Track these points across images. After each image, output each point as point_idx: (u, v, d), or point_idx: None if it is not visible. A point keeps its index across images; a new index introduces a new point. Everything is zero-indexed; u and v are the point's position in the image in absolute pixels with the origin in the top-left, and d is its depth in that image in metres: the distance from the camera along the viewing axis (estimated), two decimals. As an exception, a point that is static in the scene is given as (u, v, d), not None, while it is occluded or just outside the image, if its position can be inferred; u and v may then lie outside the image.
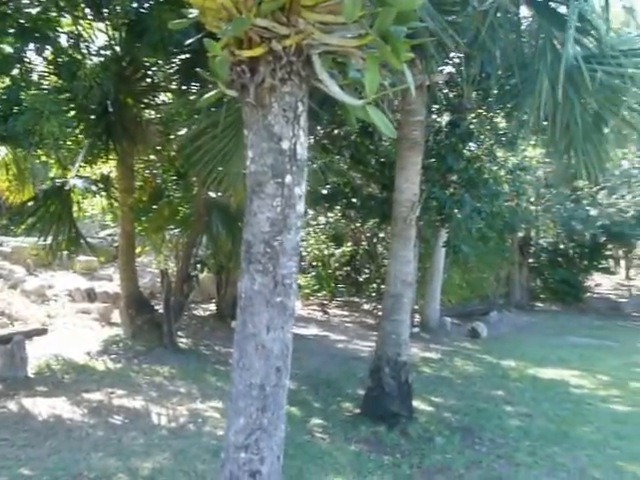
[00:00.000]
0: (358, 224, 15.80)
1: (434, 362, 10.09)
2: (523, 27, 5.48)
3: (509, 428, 6.45)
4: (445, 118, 10.39)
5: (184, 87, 7.83)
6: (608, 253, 21.75)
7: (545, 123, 5.65)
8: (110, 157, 9.21)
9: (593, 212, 16.41)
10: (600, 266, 20.99)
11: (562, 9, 4.49)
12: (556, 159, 5.95)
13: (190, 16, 2.60)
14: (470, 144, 10.38)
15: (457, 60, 6.94)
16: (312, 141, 9.19)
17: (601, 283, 22.08)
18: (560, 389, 8.63)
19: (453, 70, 7.37)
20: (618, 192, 16.82)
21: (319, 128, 9.29)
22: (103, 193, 9.90)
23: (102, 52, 7.52)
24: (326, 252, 17.41)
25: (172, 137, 8.85)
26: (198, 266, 11.00)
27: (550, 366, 10.22)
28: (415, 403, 6.70)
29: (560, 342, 13.25)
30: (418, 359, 9.90)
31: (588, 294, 20.80)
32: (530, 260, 19.92)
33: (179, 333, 9.93)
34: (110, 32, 7.51)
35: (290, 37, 2.39)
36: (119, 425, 5.78)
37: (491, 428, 6.38)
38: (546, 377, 9.38)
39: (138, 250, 11.19)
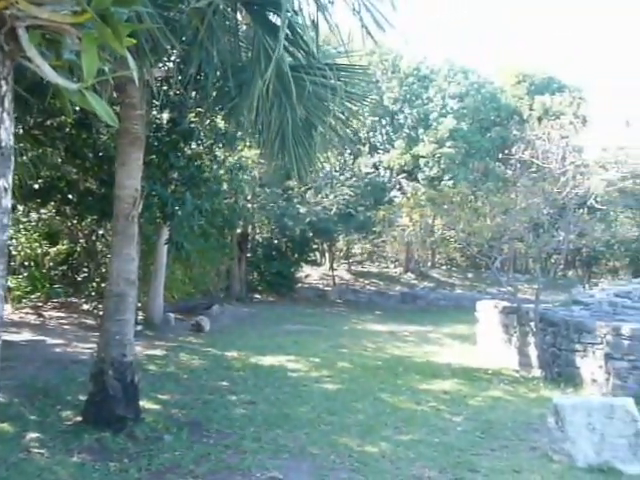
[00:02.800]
0: (75, 221, 14.74)
1: (160, 359, 9.96)
2: (242, 32, 5.69)
3: (235, 417, 6.67)
4: (166, 115, 10.29)
5: None
6: (315, 246, 24.01)
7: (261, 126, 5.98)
8: None
9: (302, 210, 17.92)
10: (309, 259, 23.08)
11: (277, 20, 4.80)
12: (270, 160, 6.32)
13: None
14: (191, 142, 10.46)
15: (177, 57, 6.92)
16: (22, 131, 8.30)
17: (310, 274, 24.22)
18: (279, 374, 9.23)
19: (173, 67, 7.33)
20: (323, 192, 18.66)
21: (29, 117, 8.39)
22: None
23: None
24: (39, 251, 15.86)
25: None
26: None
27: (269, 353, 10.87)
28: (142, 403, 6.50)
29: (277, 330, 14.19)
30: (143, 357, 9.67)
31: (300, 284, 22.70)
32: (248, 255, 20.93)
33: None
34: None
35: (-7, 6, 2.10)
36: None
37: (218, 419, 6.52)
38: (266, 364, 9.95)
39: None
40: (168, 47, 4.87)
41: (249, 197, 17.60)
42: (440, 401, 7.96)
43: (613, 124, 20.23)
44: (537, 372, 9.91)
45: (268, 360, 10.27)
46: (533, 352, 10.17)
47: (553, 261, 12.01)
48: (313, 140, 5.63)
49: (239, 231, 19.70)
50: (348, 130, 6.95)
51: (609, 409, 5.54)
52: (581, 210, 13.44)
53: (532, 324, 10.09)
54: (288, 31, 4.11)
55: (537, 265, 11.45)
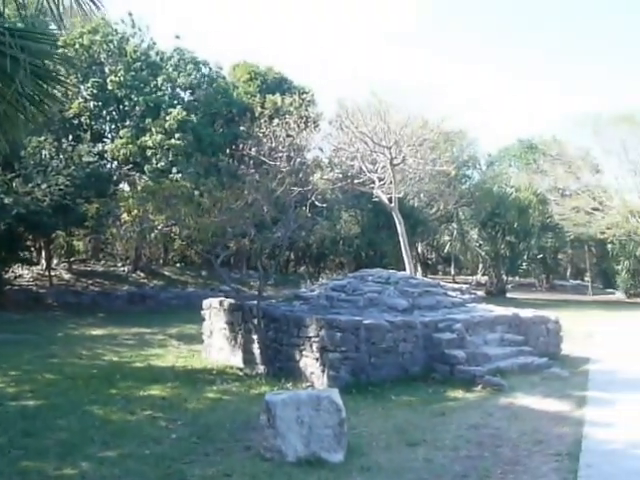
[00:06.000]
0: None
1: None
2: None
3: None
4: None
5: None
6: (29, 243, 21.34)
7: None
8: None
9: (7, 200, 15.52)
10: (20, 257, 20.36)
11: None
12: None
13: None
14: None
15: None
16: None
17: (22, 274, 21.38)
18: (-36, 396, 7.86)
19: None
20: (34, 181, 16.44)
21: None
22: None
23: None
24: None
25: None
26: None
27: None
28: None
29: (-27, 342, 12.22)
30: None
31: (8, 287, 19.86)
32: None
33: None
34: None
35: None
36: None
37: None
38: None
39: None
40: None
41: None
42: (157, 408, 7.54)
43: (332, 126, 21.82)
44: (261, 369, 10.00)
45: (-51, 381, 8.69)
46: (257, 349, 10.22)
47: (285, 257, 12.32)
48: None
49: None
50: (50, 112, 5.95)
51: (316, 401, 5.64)
52: (304, 207, 14.03)
53: (255, 321, 10.12)
54: None
55: (259, 261, 11.57)
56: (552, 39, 70.84)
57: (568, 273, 45.52)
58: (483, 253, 35.71)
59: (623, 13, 64.88)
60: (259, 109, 21.56)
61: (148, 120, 19.73)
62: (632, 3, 60.30)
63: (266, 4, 65.74)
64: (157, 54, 21.82)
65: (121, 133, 20.02)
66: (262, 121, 19.23)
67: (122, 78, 19.77)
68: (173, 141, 19.22)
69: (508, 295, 30.73)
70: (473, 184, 34.16)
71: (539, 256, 36.87)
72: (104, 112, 20.96)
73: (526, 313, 11.55)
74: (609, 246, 35.46)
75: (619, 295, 34.68)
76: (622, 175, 33.84)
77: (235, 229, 10.22)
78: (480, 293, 14.25)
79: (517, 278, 38.32)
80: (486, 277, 35.95)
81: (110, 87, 19.87)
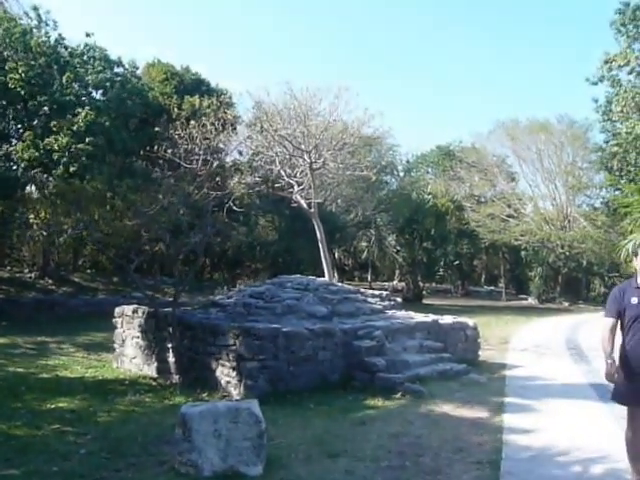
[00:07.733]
0: None
1: None
2: None
3: None
4: None
5: None
6: None
7: None
8: None
9: None
10: None
11: None
12: None
13: None
14: None
15: None
16: None
17: None
18: None
19: None
20: None
21: None
22: None
23: None
24: None
25: None
26: None
27: None
28: None
29: None
30: None
31: None
32: None
33: None
34: None
35: None
36: None
37: None
38: None
39: None
40: None
41: None
42: (65, 422, 7.12)
43: (251, 129, 21.49)
44: (175, 378, 9.69)
45: None
46: (171, 358, 9.89)
47: (201, 263, 11.99)
48: None
49: None
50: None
51: (234, 413, 5.44)
52: (220, 212, 13.74)
53: (170, 329, 9.78)
54: None
55: (175, 267, 11.21)
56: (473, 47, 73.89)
57: (483, 279, 47.27)
58: (400, 259, 36.38)
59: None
60: (176, 110, 20.90)
61: (54, 121, 18.56)
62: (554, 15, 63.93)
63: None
64: (66, 49, 20.62)
65: (26, 134, 18.75)
66: (178, 123, 18.66)
67: (24, 75, 18.47)
68: (82, 145, 18.17)
69: (424, 301, 31.32)
70: (391, 190, 34.65)
71: (455, 262, 37.96)
72: (8, 111, 19.58)
73: (445, 320, 11.75)
74: (523, 253, 37.01)
75: (531, 301, 36.24)
76: (537, 183, 35.51)
77: (150, 233, 9.85)
78: (398, 299, 14.42)
79: (433, 284, 39.29)
80: (403, 283, 36.61)
81: (12, 85, 18.53)
